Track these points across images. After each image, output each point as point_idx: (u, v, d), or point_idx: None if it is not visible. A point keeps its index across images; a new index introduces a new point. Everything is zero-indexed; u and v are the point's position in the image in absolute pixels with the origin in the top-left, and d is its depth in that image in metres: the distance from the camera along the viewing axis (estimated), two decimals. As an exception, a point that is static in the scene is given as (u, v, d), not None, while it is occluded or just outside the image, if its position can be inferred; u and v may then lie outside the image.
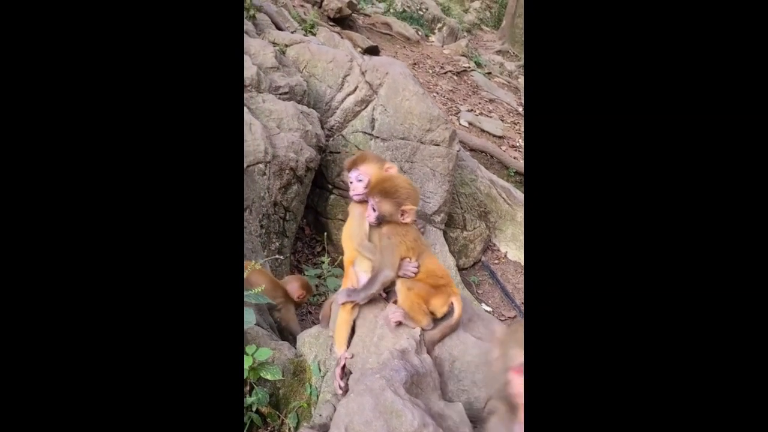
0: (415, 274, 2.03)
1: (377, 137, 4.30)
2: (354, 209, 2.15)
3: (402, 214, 2.01)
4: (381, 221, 2.02)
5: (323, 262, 3.87)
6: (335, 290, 2.47)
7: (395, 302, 2.10)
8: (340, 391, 2.02)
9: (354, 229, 2.12)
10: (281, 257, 3.45)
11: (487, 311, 4.36)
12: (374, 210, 2.00)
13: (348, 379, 2.06)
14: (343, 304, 2.16)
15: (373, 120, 4.34)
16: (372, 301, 2.16)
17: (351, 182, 2.13)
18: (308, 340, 2.40)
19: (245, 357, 2.11)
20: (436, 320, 2.08)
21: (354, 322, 2.19)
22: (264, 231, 3.54)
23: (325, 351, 2.28)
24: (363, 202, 2.11)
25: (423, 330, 2.04)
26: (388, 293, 2.17)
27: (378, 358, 1.92)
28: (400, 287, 2.03)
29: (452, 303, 2.07)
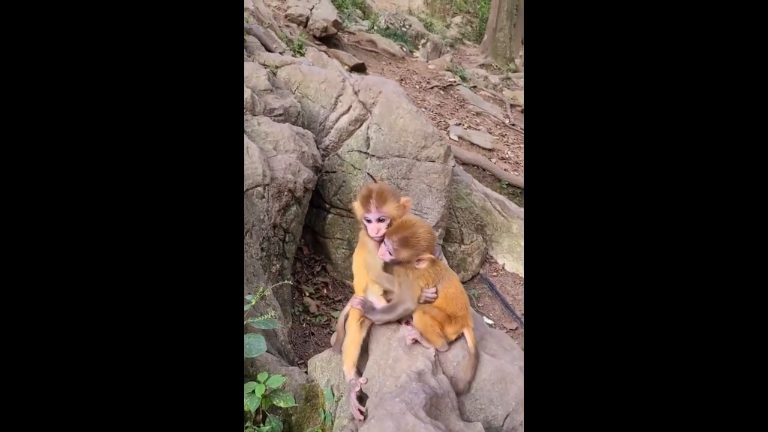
0: (434, 299, 2.02)
1: (373, 156, 4.31)
2: (368, 240, 2.11)
3: (418, 261, 2.02)
4: (393, 264, 2.03)
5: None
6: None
7: (407, 323, 2.10)
8: (360, 417, 2.00)
9: (370, 260, 2.10)
10: (290, 282, 3.42)
11: (488, 324, 4.36)
12: (390, 254, 1.99)
13: (365, 404, 2.05)
14: (351, 318, 2.17)
15: (368, 138, 4.35)
16: (384, 324, 2.15)
17: (370, 221, 2.05)
18: (320, 365, 2.38)
19: (258, 386, 2.09)
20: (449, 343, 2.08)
21: (366, 345, 2.18)
22: (264, 254, 3.52)
23: (338, 375, 2.26)
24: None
25: (438, 351, 2.04)
26: None
27: (395, 381, 1.91)
28: (416, 311, 2.02)
29: (463, 333, 2.06)
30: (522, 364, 2.06)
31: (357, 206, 2.12)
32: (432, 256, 2.02)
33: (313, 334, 3.91)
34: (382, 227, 2.04)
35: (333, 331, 3.82)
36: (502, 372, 1.99)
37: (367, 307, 2.11)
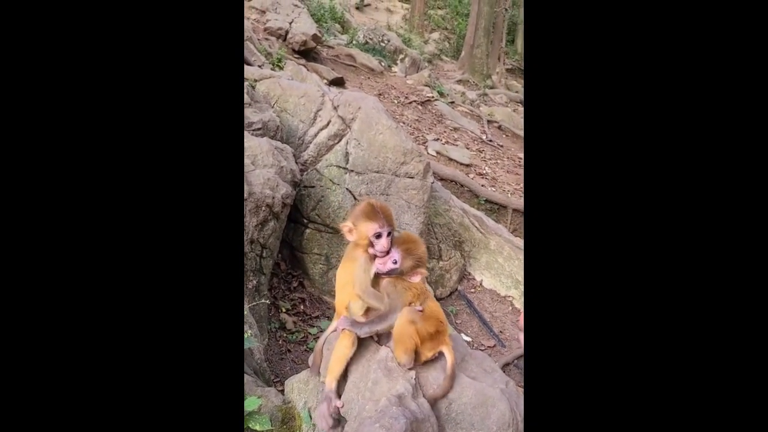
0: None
1: (352, 171, 4.29)
2: (358, 255, 2.06)
3: (414, 275, 2.06)
4: (392, 274, 2.03)
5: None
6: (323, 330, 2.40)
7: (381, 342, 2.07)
8: (325, 427, 1.97)
9: (359, 276, 2.05)
10: (267, 301, 3.36)
11: (467, 341, 4.35)
12: (395, 263, 2.00)
13: (342, 428, 2.00)
14: (343, 335, 2.10)
15: (347, 154, 4.33)
16: (363, 345, 2.11)
17: (380, 237, 2.01)
18: (297, 386, 2.33)
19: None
20: (416, 363, 2.04)
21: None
22: (241, 270, 3.46)
23: (316, 397, 2.21)
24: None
25: (410, 369, 2.01)
26: (380, 337, 2.12)
27: (375, 405, 1.87)
28: (404, 314, 1.99)
29: (442, 352, 2.04)
30: (503, 386, 2.04)
31: (361, 222, 2.03)
32: (426, 272, 2.04)
33: (289, 351, 3.84)
34: (390, 241, 2.05)
35: (310, 349, 3.77)
36: (483, 395, 1.97)
37: (353, 323, 2.07)
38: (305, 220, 4.33)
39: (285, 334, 3.90)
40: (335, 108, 4.48)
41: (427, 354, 2.03)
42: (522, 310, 1.73)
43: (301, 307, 4.23)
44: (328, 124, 4.43)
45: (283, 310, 4.08)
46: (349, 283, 2.09)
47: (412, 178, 4.36)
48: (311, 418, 2.19)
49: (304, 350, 3.84)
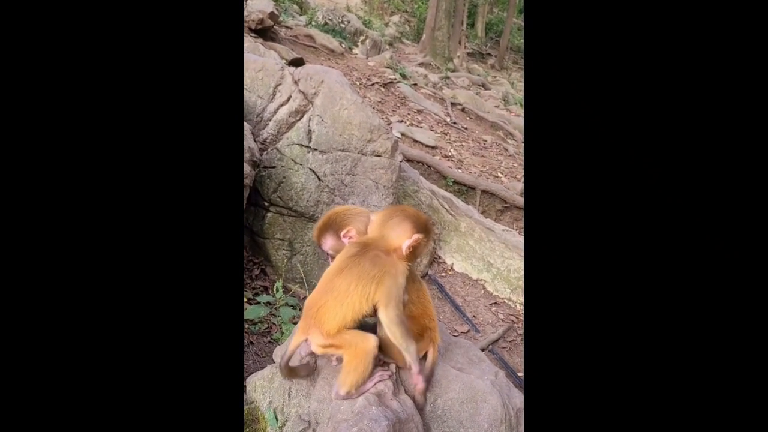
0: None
1: (315, 149, 4.01)
2: (399, 270, 1.70)
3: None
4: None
5: (277, 290, 3.53)
6: (290, 320, 2.14)
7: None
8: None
9: (396, 296, 1.68)
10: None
11: (439, 328, 4.16)
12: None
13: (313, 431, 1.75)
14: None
15: (309, 131, 4.04)
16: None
17: None
18: (260, 384, 2.06)
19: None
20: None
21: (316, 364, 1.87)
22: (195, 258, 3.15)
23: (282, 396, 1.95)
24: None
25: (398, 369, 1.78)
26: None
27: (351, 405, 1.63)
28: None
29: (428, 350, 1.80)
30: (493, 378, 1.83)
31: (429, 233, 1.77)
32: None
33: (252, 343, 3.57)
34: None
35: (274, 341, 3.50)
36: (472, 389, 1.75)
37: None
38: (266, 203, 4.03)
39: (247, 325, 3.62)
40: (296, 82, 4.17)
41: (419, 353, 1.79)
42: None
43: (264, 295, 3.94)
44: (288, 99, 4.12)
45: (245, 299, 3.79)
46: (364, 301, 1.64)
47: (379, 156, 4.11)
48: (277, 420, 1.94)
49: (267, 342, 3.57)
